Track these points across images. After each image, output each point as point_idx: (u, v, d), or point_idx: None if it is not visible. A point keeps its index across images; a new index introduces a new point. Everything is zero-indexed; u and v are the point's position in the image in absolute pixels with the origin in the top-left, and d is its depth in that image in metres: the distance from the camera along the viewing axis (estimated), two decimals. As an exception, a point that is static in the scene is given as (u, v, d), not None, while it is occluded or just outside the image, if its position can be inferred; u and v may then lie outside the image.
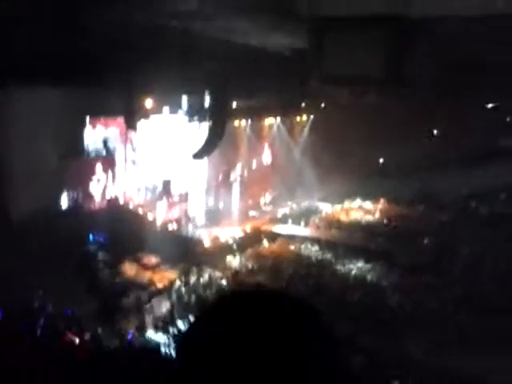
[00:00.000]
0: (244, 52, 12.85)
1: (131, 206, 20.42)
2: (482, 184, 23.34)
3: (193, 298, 16.24)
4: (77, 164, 18.59)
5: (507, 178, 22.56)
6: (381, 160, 26.87)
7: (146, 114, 17.77)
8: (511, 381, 10.72)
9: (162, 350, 12.24)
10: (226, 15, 9.65)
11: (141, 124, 18.29)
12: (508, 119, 24.61)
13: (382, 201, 24.90)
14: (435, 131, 26.04)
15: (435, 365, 12.12)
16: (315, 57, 9.93)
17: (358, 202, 25.31)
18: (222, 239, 20.20)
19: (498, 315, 13.25)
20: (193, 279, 17.49)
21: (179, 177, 21.58)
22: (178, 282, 17.28)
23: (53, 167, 16.77)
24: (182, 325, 14.68)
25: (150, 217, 20.34)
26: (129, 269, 17.79)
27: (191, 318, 14.71)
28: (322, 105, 24.53)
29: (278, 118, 25.02)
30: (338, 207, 24.92)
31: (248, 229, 21.36)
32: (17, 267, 12.74)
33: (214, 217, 21.95)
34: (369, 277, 17.77)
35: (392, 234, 20.82)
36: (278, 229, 22.16)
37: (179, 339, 1.07)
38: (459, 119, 23.15)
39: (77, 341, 11.55)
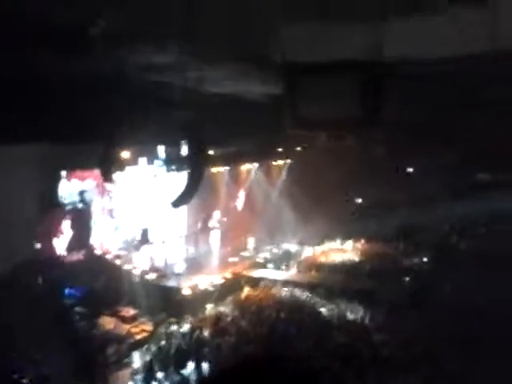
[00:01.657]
0: (219, 100, 13.06)
1: (109, 257, 20.11)
2: (461, 219, 23.70)
3: (172, 349, 15.82)
4: (53, 216, 18.39)
5: (486, 212, 22.97)
6: (359, 200, 27.16)
7: (122, 166, 17.76)
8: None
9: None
10: (201, 65, 9.83)
11: (117, 175, 18.27)
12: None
13: (361, 241, 25.00)
14: (411, 169, 26.54)
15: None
16: (290, 102, 10.12)
17: (337, 243, 25.35)
18: (202, 287, 19.87)
19: (483, 352, 13.20)
20: (172, 329, 17.10)
21: (157, 225, 21.42)
22: (157, 334, 16.88)
23: (29, 220, 16.53)
24: (161, 377, 14.29)
25: (127, 267, 20.00)
26: (107, 322, 17.37)
27: (170, 370, 14.38)
28: (299, 148, 24.90)
29: (256, 164, 25.27)
30: (318, 249, 24.91)
31: (228, 275, 21.11)
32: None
33: (194, 264, 21.69)
34: (352, 317, 17.63)
35: (373, 274, 20.81)
36: (259, 273, 21.96)
37: None
38: (435, 157, 23.71)
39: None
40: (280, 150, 24.91)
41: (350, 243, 25.08)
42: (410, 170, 26.76)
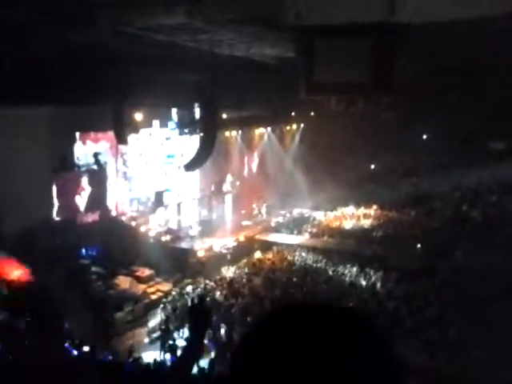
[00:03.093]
0: (232, 63, 12.95)
1: (124, 219, 20.41)
2: (472, 187, 23.49)
3: (187, 308, 16.12)
4: (68, 178, 18.64)
5: (498, 182, 22.72)
6: (372, 166, 26.97)
7: (136, 128, 17.84)
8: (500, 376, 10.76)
9: (157, 362, 12.13)
10: (213, 28, 9.75)
11: (131, 137, 18.39)
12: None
13: (374, 207, 24.96)
14: (424, 136, 26.16)
15: (430, 366, 12.16)
16: (303, 65, 10.02)
17: (350, 208, 25.34)
18: (216, 249, 20.17)
19: (490, 316, 13.28)
20: (187, 290, 17.43)
21: (172, 188, 21.61)
22: (172, 294, 17.24)
23: (45, 183, 16.80)
24: (176, 336, 14.62)
25: (142, 229, 20.31)
26: (123, 281, 17.72)
27: (185, 330, 14.70)
28: (312, 113, 24.67)
29: (269, 128, 25.15)
30: (330, 214, 24.96)
31: (241, 238, 21.35)
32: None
33: (208, 227, 21.93)
34: (363, 282, 17.76)
35: (385, 240, 20.85)
36: (272, 237, 22.15)
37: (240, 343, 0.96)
38: (448, 124, 23.33)
39: (75, 353, 11.49)
40: (293, 114, 24.69)
41: (362, 209, 25.07)
42: (423, 136, 26.35)
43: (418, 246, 19.84)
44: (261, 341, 0.95)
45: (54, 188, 17.97)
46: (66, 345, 11.43)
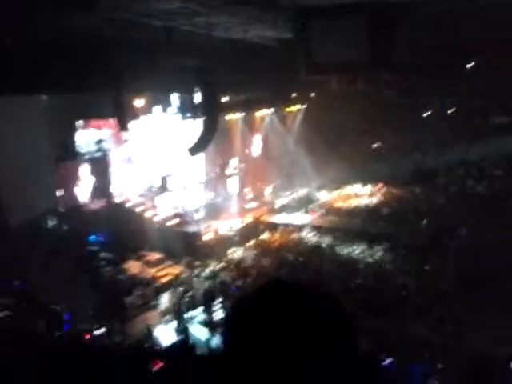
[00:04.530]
0: (229, 46, 12.88)
1: (130, 205, 20.54)
2: (477, 163, 23.36)
3: (198, 291, 16.34)
4: (71, 166, 18.74)
5: (502, 156, 22.56)
6: (374, 145, 26.86)
7: (137, 114, 17.85)
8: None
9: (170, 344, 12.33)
10: (209, 11, 9.69)
11: (134, 124, 18.40)
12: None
13: (379, 185, 24.93)
14: (426, 113, 25.91)
15: (439, 342, 12.30)
16: (300, 47, 10.00)
17: (354, 187, 25.30)
18: (223, 232, 20.30)
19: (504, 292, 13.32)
20: (196, 273, 17.63)
21: (176, 172, 21.69)
22: (182, 277, 17.43)
23: (49, 170, 16.89)
24: (188, 317, 14.82)
25: (149, 214, 20.45)
26: (132, 266, 17.92)
27: (199, 311, 14.90)
28: (313, 94, 24.54)
29: (271, 109, 25.07)
30: (335, 194, 24.96)
31: (247, 220, 21.45)
32: (20, 272, 12.88)
33: (213, 210, 22.04)
34: (370, 260, 17.85)
35: (391, 217, 20.87)
36: (278, 218, 22.24)
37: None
38: (450, 99, 23.14)
39: (87, 337, 11.72)
40: (294, 95, 24.59)
41: (367, 187, 25.06)
42: (425, 113, 26.11)
43: (424, 222, 19.84)
44: (243, 315, 1.10)
45: (58, 176, 18.07)
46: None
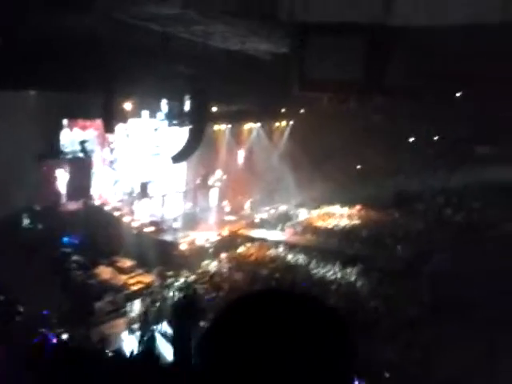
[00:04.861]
0: (224, 56, 12.91)
1: (108, 208, 20.28)
2: (457, 191, 23.76)
3: (167, 301, 16.14)
4: (53, 165, 18.44)
5: (483, 186, 22.98)
6: (358, 166, 27.13)
7: (124, 118, 17.71)
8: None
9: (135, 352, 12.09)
10: (207, 20, 9.70)
11: (119, 127, 18.24)
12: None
13: (358, 206, 25.14)
14: (412, 138, 26.37)
15: (409, 367, 12.32)
16: (295, 62, 10.04)
17: (334, 207, 25.48)
18: (199, 243, 20.14)
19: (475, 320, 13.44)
20: (169, 282, 17.41)
21: (157, 179, 21.52)
22: (152, 286, 17.20)
23: (29, 169, 16.59)
24: (155, 328, 14.57)
25: (126, 219, 20.20)
26: (104, 272, 17.62)
27: (166, 323, 14.64)
28: (302, 110, 24.72)
29: (258, 123, 25.16)
30: (314, 212, 25.07)
31: (225, 233, 21.35)
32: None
33: (191, 220, 21.90)
34: (344, 281, 17.89)
35: (368, 240, 21.01)
36: (255, 233, 22.20)
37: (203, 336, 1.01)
38: (436, 127, 23.58)
39: (54, 341, 11.40)
40: (283, 111, 24.73)
41: (346, 208, 25.22)
42: (411, 139, 26.56)
43: (400, 247, 20.03)
44: (224, 328, 1.01)
45: (39, 174, 17.76)
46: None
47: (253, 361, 0.94)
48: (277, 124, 26.03)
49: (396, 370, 12.17)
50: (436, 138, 24.34)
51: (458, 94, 15.93)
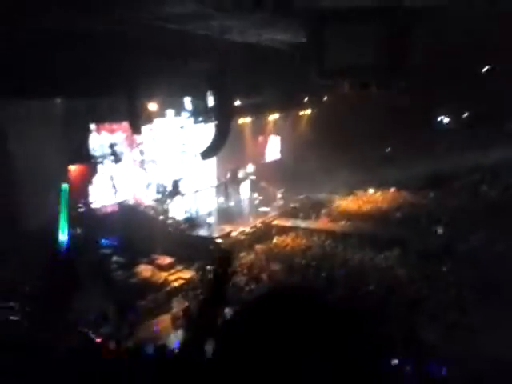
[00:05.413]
0: (244, 50, 12.90)
1: (142, 208, 20.61)
2: (492, 168, 23.15)
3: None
4: (85, 170, 18.84)
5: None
6: (388, 149, 26.75)
7: (150, 118, 17.94)
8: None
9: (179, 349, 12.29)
10: (223, 15, 9.72)
11: (146, 127, 18.49)
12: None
13: (391, 189, 24.80)
14: (442, 118, 25.79)
15: (447, 349, 12.17)
16: (314, 50, 9.98)
17: (368, 192, 25.20)
18: (234, 236, 20.27)
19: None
20: (208, 277, 17.57)
21: (188, 176, 21.75)
22: (193, 281, 17.42)
23: (61, 175, 16.98)
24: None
25: (161, 217, 20.48)
26: (144, 270, 17.93)
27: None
28: (325, 98, 24.50)
29: (282, 113, 25.06)
30: (347, 198, 24.86)
31: (259, 224, 21.42)
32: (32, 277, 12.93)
33: (225, 214, 22.04)
34: (382, 266, 17.72)
35: (403, 222, 20.73)
36: (289, 223, 22.17)
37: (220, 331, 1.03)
38: (464, 106, 23.01)
39: (99, 341, 11.70)
40: (306, 99, 24.56)
41: (380, 192, 24.91)
42: (440, 118, 25.97)
43: (437, 228, 19.69)
44: (243, 324, 1.04)
45: (71, 180, 18.17)
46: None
47: (270, 355, 0.96)
48: (301, 113, 25.89)
49: (441, 350, 12.03)
50: (464, 116, 23.70)
51: (484, 71, 15.46)
